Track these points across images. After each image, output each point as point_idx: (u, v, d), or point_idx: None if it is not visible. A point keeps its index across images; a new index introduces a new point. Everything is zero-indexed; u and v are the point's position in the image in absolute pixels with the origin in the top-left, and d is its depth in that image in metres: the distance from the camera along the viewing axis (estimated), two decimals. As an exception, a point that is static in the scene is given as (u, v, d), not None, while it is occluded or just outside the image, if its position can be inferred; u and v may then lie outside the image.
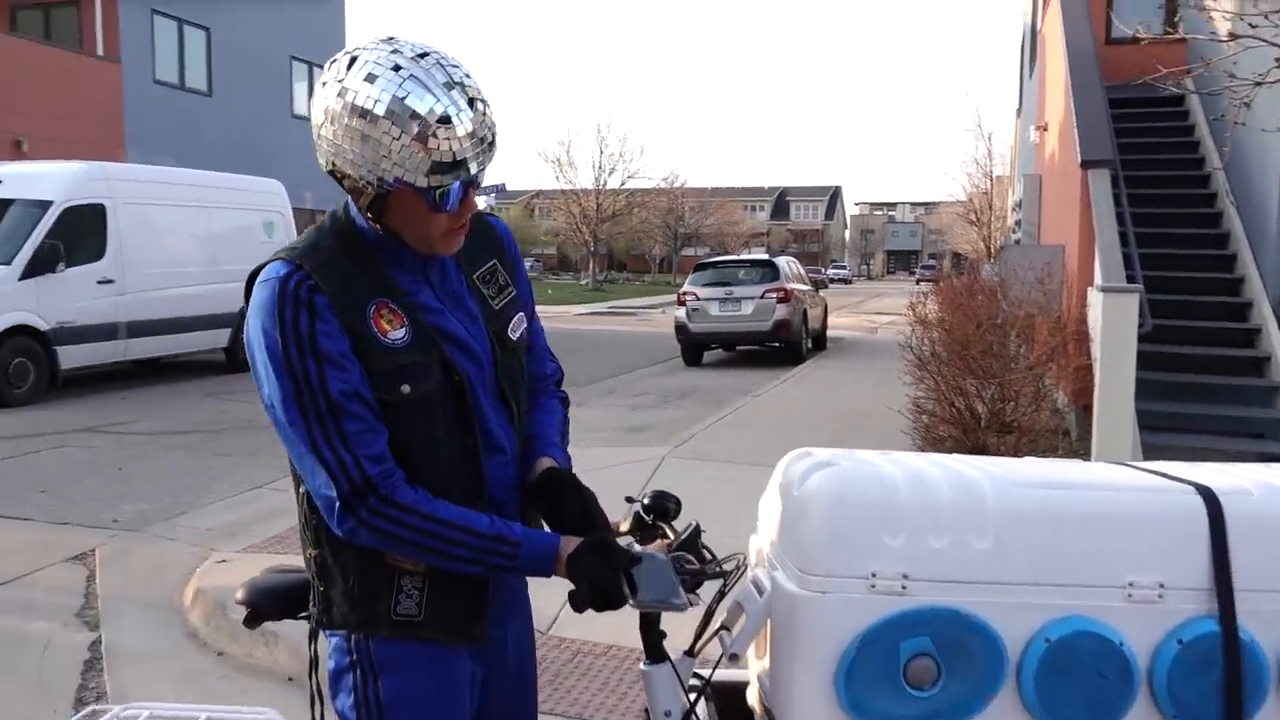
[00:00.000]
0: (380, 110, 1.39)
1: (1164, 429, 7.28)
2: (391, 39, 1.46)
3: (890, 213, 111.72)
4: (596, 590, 1.49)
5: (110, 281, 11.83)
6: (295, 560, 1.79)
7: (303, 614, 1.70)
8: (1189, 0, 7.78)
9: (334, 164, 1.47)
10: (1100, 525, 1.45)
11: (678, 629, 1.66)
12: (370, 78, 1.41)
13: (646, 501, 1.89)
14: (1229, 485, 1.51)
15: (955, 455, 1.72)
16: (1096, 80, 9.45)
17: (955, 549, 1.41)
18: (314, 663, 1.77)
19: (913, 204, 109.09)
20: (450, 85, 1.42)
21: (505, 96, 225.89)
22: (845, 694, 1.42)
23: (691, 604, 1.57)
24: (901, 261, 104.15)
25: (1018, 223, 14.93)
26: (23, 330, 10.85)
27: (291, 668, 3.91)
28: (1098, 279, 7.09)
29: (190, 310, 12.82)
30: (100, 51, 18.68)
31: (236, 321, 12.59)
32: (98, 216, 11.83)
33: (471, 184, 1.50)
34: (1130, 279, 7.21)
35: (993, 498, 1.45)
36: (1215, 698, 1.43)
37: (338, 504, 1.46)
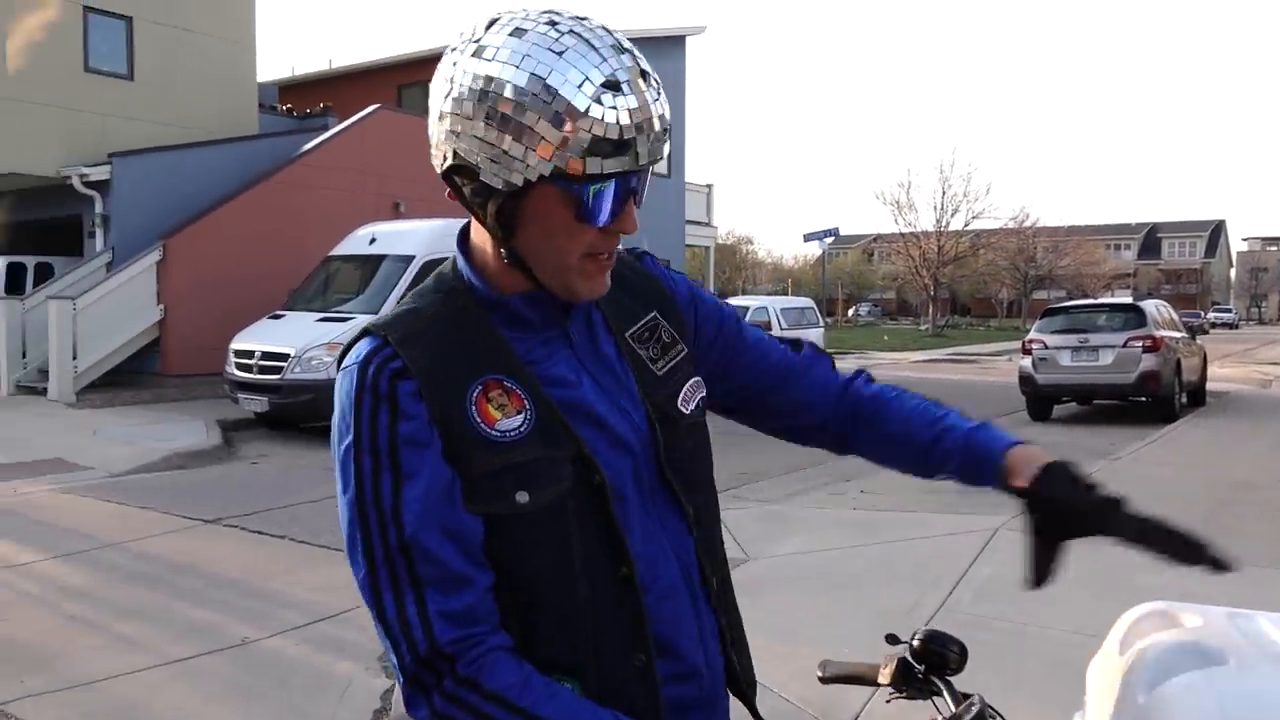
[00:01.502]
0: (530, 68, 1.03)
1: None
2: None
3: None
4: None
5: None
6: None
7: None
8: None
9: (457, 155, 1.09)
10: None
11: None
12: (518, 32, 1.06)
13: (917, 644, 1.39)
14: None
15: None
16: None
17: None
18: None
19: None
20: (620, 49, 1.06)
21: (843, 140, 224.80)
22: None
23: None
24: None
25: None
26: (386, 373, 11.95)
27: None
28: None
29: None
30: (467, 119, 20.63)
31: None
32: (451, 268, 12.85)
33: (632, 194, 1.10)
34: None
35: None
36: None
37: (402, 682, 1.09)
